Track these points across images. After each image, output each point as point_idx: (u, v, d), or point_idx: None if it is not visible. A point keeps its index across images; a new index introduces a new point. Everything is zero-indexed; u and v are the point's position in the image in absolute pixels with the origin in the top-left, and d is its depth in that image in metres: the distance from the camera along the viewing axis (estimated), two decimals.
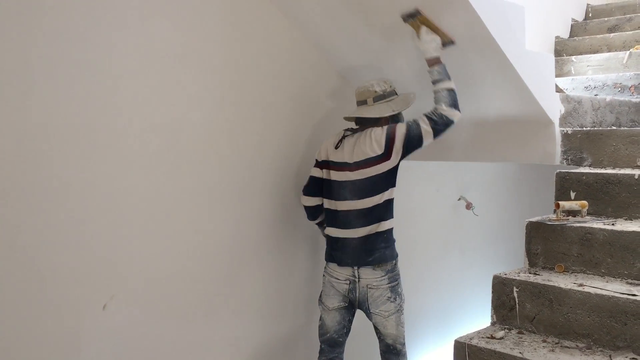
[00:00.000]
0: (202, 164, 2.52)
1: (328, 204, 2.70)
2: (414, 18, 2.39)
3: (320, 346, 2.76)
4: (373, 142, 2.55)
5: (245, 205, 2.69)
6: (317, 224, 2.88)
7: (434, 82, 2.48)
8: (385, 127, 2.57)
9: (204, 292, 2.56)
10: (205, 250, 2.56)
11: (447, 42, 2.44)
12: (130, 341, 2.33)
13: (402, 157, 2.57)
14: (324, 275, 2.73)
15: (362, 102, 2.65)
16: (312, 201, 2.76)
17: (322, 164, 2.72)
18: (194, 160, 2.49)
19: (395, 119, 2.65)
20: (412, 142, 2.51)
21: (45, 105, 2.07)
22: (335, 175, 2.66)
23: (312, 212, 2.81)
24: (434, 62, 2.45)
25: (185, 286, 2.50)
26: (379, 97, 2.62)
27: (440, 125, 2.47)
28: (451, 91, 2.47)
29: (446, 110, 2.46)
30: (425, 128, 2.48)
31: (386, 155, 2.54)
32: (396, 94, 2.67)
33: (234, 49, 2.61)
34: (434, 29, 2.40)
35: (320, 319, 2.75)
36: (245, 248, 2.71)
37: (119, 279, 2.29)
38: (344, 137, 2.68)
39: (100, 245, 2.23)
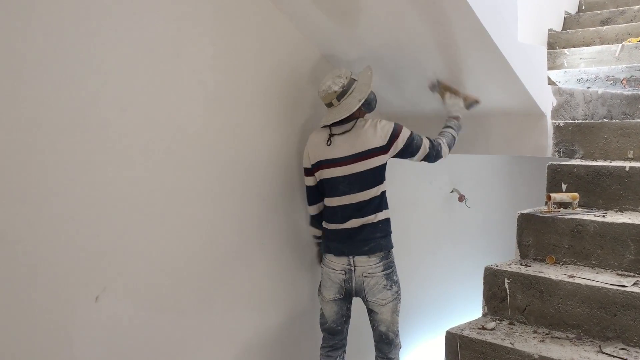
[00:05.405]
0: (194, 157, 2.51)
1: (328, 201, 2.72)
2: (438, 87, 2.77)
3: (322, 334, 2.83)
4: (379, 131, 2.57)
5: (238, 198, 2.69)
6: (314, 236, 2.91)
7: (446, 127, 2.76)
8: (393, 122, 2.61)
9: (199, 284, 2.56)
10: (197, 242, 2.55)
11: (472, 103, 2.77)
12: (122, 333, 2.33)
13: (395, 156, 2.62)
14: (322, 267, 2.77)
15: (329, 105, 2.64)
16: (316, 209, 2.81)
17: (313, 169, 2.73)
18: (186, 154, 2.48)
19: (368, 101, 2.64)
20: (409, 149, 2.62)
21: (35, 99, 2.06)
22: (330, 173, 2.66)
23: (317, 220, 2.84)
24: (454, 118, 2.78)
25: (178, 278, 2.49)
26: (341, 95, 2.59)
27: (433, 152, 2.66)
28: (454, 138, 2.75)
29: (445, 145, 2.69)
30: (424, 146, 2.64)
31: (386, 148, 2.59)
32: (355, 80, 2.63)
33: (227, 44, 2.59)
34: (456, 93, 2.76)
35: (320, 309, 2.80)
36: (238, 241, 2.70)
37: (111, 271, 2.28)
38: (331, 134, 2.65)
39: (92, 237, 2.22)
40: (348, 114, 2.58)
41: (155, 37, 2.36)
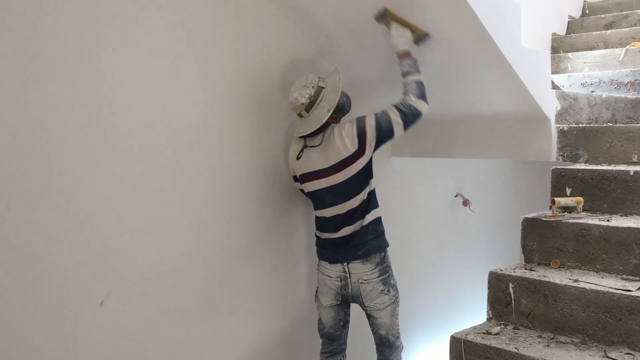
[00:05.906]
0: (198, 161, 2.52)
1: (318, 212, 2.68)
2: (386, 17, 2.46)
3: (321, 340, 2.81)
4: (345, 139, 2.50)
5: (242, 202, 2.69)
6: None
7: (403, 75, 2.49)
8: (354, 121, 2.52)
9: (201, 289, 2.56)
10: (202, 247, 2.56)
11: (421, 37, 2.48)
12: (127, 337, 2.33)
13: (375, 149, 2.53)
14: (317, 273, 2.75)
15: (299, 115, 2.59)
16: None
17: (300, 180, 2.71)
18: (190, 158, 2.49)
19: (340, 107, 2.56)
20: (383, 133, 2.48)
21: (39, 102, 2.07)
22: (312, 186, 2.63)
23: None
24: (403, 55, 2.47)
25: (183, 283, 2.50)
26: (309, 105, 2.52)
27: (409, 116, 2.46)
28: (420, 83, 2.47)
29: (414, 101, 2.45)
30: (395, 119, 2.46)
31: (360, 151, 2.51)
32: (323, 87, 2.54)
33: (230, 48, 2.60)
34: (406, 25, 2.45)
35: (318, 315, 2.79)
36: (242, 245, 2.71)
37: (116, 275, 2.29)
38: (304, 146, 2.62)
39: (97, 242, 2.23)
40: (318, 127, 2.51)
41: (157, 41, 2.37)
